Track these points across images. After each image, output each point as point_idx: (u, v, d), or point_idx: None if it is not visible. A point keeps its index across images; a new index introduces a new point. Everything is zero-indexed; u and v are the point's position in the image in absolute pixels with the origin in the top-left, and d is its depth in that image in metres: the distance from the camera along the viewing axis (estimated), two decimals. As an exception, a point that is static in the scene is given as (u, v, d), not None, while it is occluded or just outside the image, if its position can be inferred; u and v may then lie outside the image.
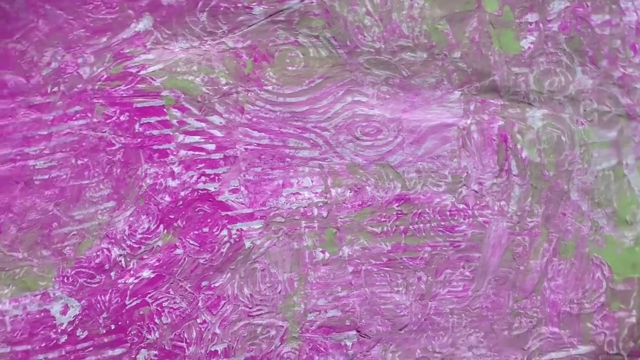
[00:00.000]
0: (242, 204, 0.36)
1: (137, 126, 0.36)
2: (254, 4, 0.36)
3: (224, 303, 0.35)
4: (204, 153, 0.36)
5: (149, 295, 0.35)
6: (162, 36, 0.36)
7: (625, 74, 0.36)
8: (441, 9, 0.36)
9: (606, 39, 0.36)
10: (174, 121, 0.36)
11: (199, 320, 0.35)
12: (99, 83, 0.36)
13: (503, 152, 0.36)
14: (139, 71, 0.36)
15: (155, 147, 0.36)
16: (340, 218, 0.36)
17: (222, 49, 0.36)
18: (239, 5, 0.36)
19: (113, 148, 0.36)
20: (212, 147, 0.36)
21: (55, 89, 0.35)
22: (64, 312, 0.34)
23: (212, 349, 0.35)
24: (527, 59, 0.36)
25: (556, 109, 0.36)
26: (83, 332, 0.34)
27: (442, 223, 0.36)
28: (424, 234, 0.36)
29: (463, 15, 0.36)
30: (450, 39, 0.36)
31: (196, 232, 0.35)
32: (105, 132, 0.36)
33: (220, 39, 0.36)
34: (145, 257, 0.35)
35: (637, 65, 0.36)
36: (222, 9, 0.36)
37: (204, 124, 0.36)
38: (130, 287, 0.35)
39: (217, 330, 0.35)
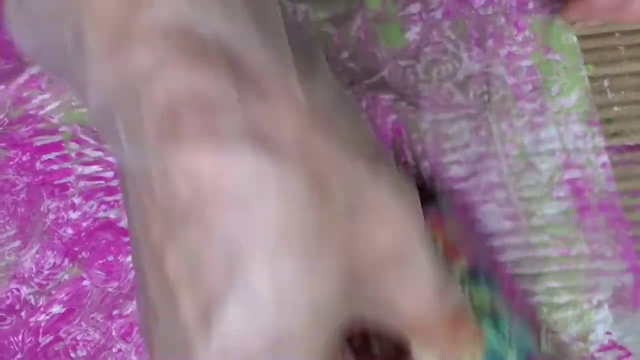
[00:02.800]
0: (145, 227, 0.36)
1: (38, 164, 0.36)
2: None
3: (138, 329, 0.35)
4: (102, 181, 0.36)
5: (62, 331, 0.35)
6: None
7: (511, 52, 0.36)
8: (325, 11, 0.37)
9: (490, 19, 0.37)
10: (73, 154, 0.36)
11: (114, 350, 0.35)
12: (0, 128, 0.37)
13: (398, 146, 0.36)
14: (38, 112, 0.37)
15: (56, 182, 0.36)
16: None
17: (111, 78, 0.36)
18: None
19: (17, 188, 0.36)
20: (110, 174, 0.36)
21: (-51, 136, 0.36)
22: (-25, 357, 0.34)
23: (129, 378, 0.35)
24: (414, 50, 0.37)
25: (446, 98, 0.36)
26: (-4, 375, 0.34)
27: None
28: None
29: (346, 15, 0.37)
30: (336, 40, 0.36)
31: (101, 262, 0.35)
32: (9, 174, 0.36)
33: (108, 68, 0.36)
34: (53, 292, 0.35)
35: (520, 43, 0.36)
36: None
37: (101, 153, 0.36)
38: (42, 324, 0.35)
39: (134, 358, 0.35)
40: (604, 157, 0.36)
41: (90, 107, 0.21)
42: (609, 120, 0.37)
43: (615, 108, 0.37)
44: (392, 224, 0.21)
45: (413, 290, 0.23)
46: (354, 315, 0.23)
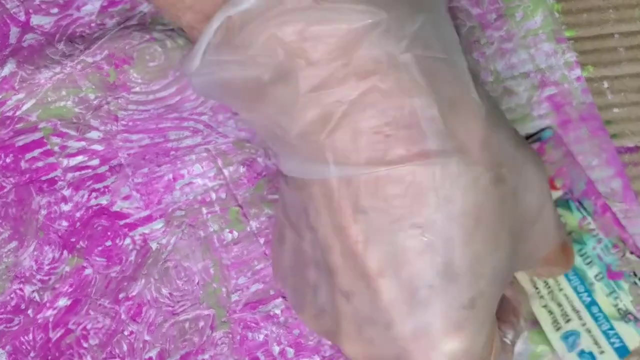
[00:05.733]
0: (138, 208, 0.36)
1: (22, 163, 0.36)
2: (106, 19, 0.37)
3: (146, 309, 0.35)
4: (89, 170, 0.36)
5: (71, 322, 0.35)
6: (26, 73, 0.36)
7: (472, -19, 0.37)
8: None
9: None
10: (56, 148, 0.36)
11: (126, 332, 0.35)
12: (-20, 135, 0.36)
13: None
14: (15, 113, 0.37)
15: (43, 178, 0.36)
16: (240, 195, 0.36)
17: (83, 66, 0.36)
18: (93, 25, 0.37)
19: (5, 190, 0.36)
20: (96, 162, 0.36)
21: None
22: (-12, 362, 0.34)
23: (147, 357, 0.35)
24: None
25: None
26: (12, 376, 0.34)
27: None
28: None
29: None
30: None
31: (100, 248, 0.35)
32: (-6, 178, 0.36)
33: (78, 57, 0.36)
34: (57, 286, 0.35)
35: (479, -29, 0.37)
36: (77, 34, 0.37)
37: (84, 143, 0.36)
38: (51, 319, 0.35)
39: (147, 337, 0.35)
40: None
41: (290, 132, 0.23)
42: (608, 122, 0.36)
43: (615, 110, 0.37)
44: (536, 187, 0.26)
45: (546, 235, 0.28)
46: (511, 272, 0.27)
